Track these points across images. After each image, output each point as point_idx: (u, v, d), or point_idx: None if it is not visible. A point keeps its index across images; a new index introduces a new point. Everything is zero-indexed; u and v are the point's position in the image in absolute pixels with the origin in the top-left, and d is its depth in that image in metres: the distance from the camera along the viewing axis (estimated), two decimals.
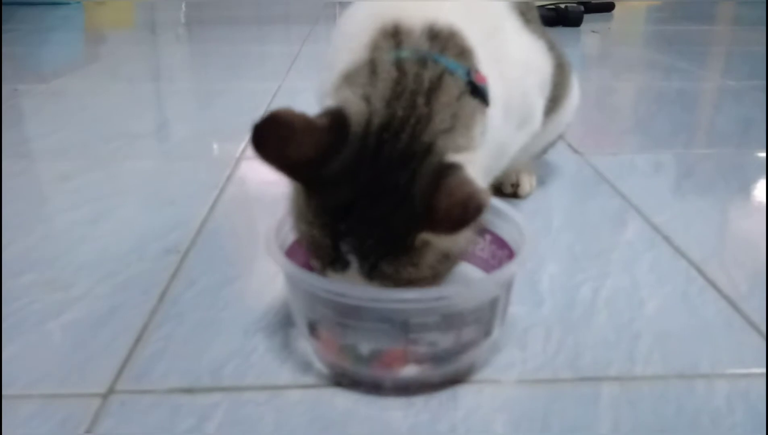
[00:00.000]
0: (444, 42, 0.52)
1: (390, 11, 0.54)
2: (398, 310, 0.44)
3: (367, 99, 0.46)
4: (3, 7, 2.48)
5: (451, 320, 0.45)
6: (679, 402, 0.46)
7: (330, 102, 0.48)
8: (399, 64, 0.49)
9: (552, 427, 0.44)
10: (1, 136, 1.05)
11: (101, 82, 1.54)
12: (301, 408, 0.45)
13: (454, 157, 0.45)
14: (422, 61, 0.49)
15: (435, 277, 0.46)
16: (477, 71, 0.52)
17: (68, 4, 2.96)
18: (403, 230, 0.43)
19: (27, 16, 2.57)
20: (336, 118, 0.44)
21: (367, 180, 0.43)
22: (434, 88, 0.48)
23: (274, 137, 0.42)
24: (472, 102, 0.50)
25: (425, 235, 0.43)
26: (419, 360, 0.46)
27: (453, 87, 0.49)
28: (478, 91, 0.51)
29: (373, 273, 0.44)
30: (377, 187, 0.43)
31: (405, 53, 0.50)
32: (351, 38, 0.54)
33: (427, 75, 0.49)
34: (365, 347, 0.45)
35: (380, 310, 0.44)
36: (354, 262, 0.44)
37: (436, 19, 0.53)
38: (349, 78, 0.50)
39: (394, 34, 0.52)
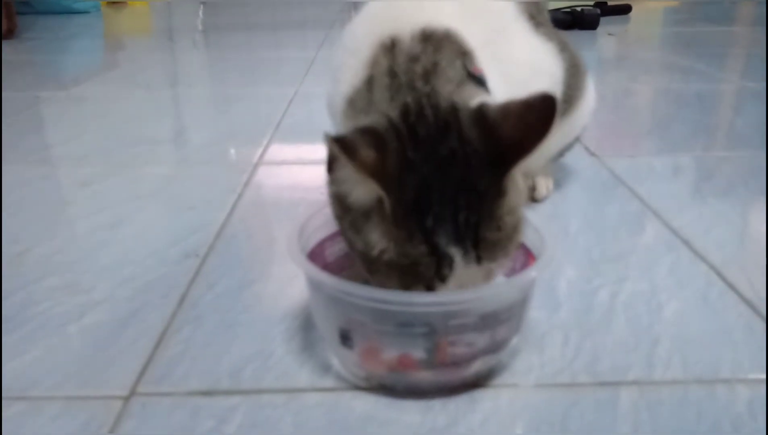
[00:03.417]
0: (438, 42, 0.52)
1: (387, 24, 0.54)
2: (439, 312, 0.44)
3: (375, 111, 0.48)
4: (26, 17, 2.52)
5: (487, 320, 0.45)
6: (699, 407, 0.46)
7: (341, 128, 0.50)
8: (390, 69, 0.50)
9: (570, 431, 0.44)
10: (1, 143, 1.07)
11: (120, 88, 1.56)
12: (319, 411, 0.46)
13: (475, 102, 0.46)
14: (414, 59, 0.51)
15: (516, 213, 0.46)
16: (474, 65, 0.53)
17: (88, 12, 3.00)
18: (486, 183, 0.43)
19: (48, 25, 2.61)
20: (367, 131, 0.44)
21: (423, 161, 0.43)
22: (429, 72, 0.49)
23: (351, 146, 0.42)
24: (473, 86, 0.51)
25: (504, 185, 0.44)
26: (457, 361, 0.46)
27: (450, 72, 0.50)
28: (476, 79, 0.52)
29: (480, 247, 0.43)
30: (437, 162, 0.43)
31: (398, 59, 0.51)
32: (352, 55, 0.55)
33: (419, 66, 0.50)
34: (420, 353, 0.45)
35: (421, 314, 0.44)
36: (457, 253, 0.43)
37: (430, 22, 0.53)
38: (352, 103, 0.52)
39: (392, 47, 0.53)
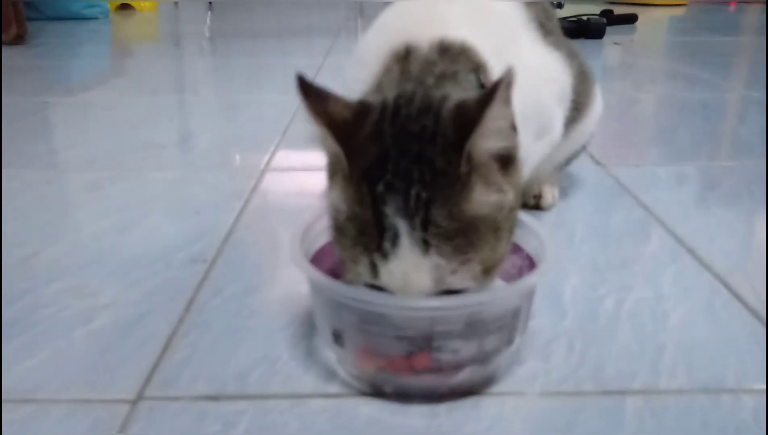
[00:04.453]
0: (455, 56, 0.53)
1: (401, 34, 0.55)
2: (424, 317, 0.44)
3: (379, 93, 0.49)
4: (35, 23, 2.54)
5: (474, 328, 0.45)
6: (704, 416, 0.46)
7: None
8: (402, 72, 0.51)
9: None
10: (1, 150, 1.08)
11: (127, 94, 1.57)
12: (324, 416, 0.46)
13: None
14: (431, 63, 0.51)
15: (495, 227, 0.44)
16: (488, 78, 0.53)
17: (96, 18, 3.02)
18: (444, 159, 0.42)
19: (57, 30, 2.63)
20: (358, 102, 0.47)
21: (392, 134, 0.44)
22: (446, 76, 0.50)
23: (315, 93, 0.45)
24: None
25: (468, 167, 0.42)
26: (442, 368, 0.46)
27: (464, 82, 0.50)
28: None
29: (429, 231, 0.42)
30: (404, 135, 0.44)
31: (412, 65, 0.52)
32: (365, 67, 0.56)
33: (437, 69, 0.51)
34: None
35: (405, 317, 0.44)
36: (403, 226, 0.42)
37: (446, 34, 0.54)
38: None
39: (406, 56, 0.53)
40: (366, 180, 0.43)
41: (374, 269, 0.43)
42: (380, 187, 0.43)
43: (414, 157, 0.43)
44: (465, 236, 0.43)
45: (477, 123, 0.42)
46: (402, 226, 0.42)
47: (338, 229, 0.46)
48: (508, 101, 0.43)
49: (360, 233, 0.44)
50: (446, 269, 0.42)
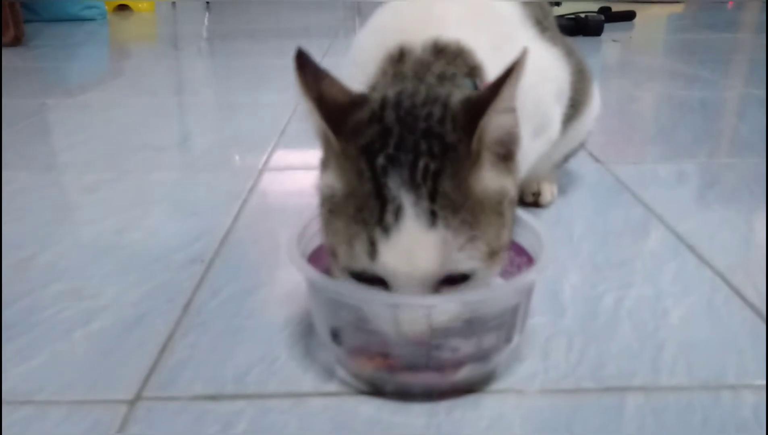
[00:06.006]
0: (451, 58, 0.53)
1: (395, 35, 0.54)
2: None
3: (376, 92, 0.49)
4: (32, 24, 2.54)
5: (473, 326, 0.45)
6: (704, 413, 0.45)
7: None
8: (397, 69, 0.52)
9: None
10: (1, 152, 1.08)
11: (126, 95, 1.56)
12: (324, 415, 0.46)
13: None
14: (426, 64, 0.52)
15: (499, 211, 0.43)
16: (484, 82, 0.53)
17: (94, 20, 3.02)
18: (455, 134, 0.42)
19: (55, 32, 2.63)
20: (357, 93, 0.47)
21: (395, 117, 0.43)
22: (446, 77, 0.50)
23: (313, 69, 0.45)
24: None
25: (479, 145, 0.42)
26: (441, 366, 0.46)
27: (462, 88, 0.50)
28: None
29: (436, 199, 0.40)
30: (408, 116, 0.43)
31: (406, 65, 0.52)
32: (360, 69, 0.55)
33: (436, 68, 0.51)
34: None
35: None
36: (407, 199, 0.40)
37: (441, 34, 0.54)
38: None
39: (400, 58, 0.53)
40: (364, 155, 0.42)
41: (373, 248, 0.41)
42: (381, 160, 0.42)
43: (422, 133, 0.42)
44: (472, 213, 0.42)
45: (495, 98, 0.41)
46: (406, 197, 0.40)
47: (331, 212, 0.44)
48: (517, 83, 0.43)
49: (358, 209, 0.42)
50: (453, 245, 0.41)
